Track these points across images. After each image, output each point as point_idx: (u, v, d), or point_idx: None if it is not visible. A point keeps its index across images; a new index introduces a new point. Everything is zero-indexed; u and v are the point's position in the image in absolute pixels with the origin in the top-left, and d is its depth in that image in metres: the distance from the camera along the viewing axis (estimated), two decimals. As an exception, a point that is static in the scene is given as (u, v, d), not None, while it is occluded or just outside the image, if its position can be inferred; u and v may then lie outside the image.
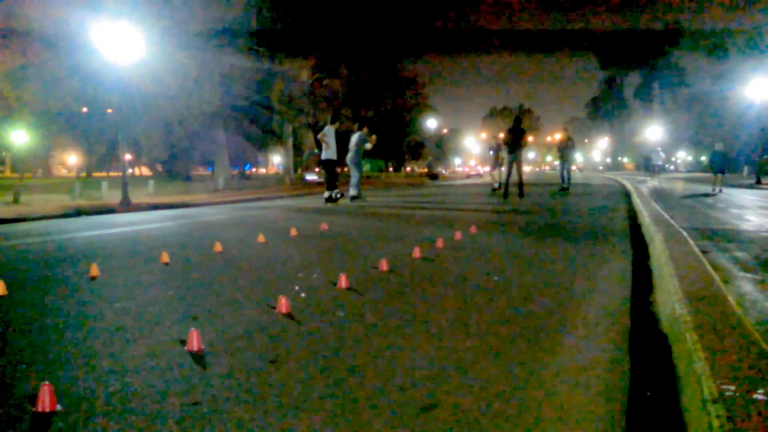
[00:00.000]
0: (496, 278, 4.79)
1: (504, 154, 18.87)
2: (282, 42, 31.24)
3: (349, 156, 15.87)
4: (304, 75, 36.90)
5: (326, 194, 15.34)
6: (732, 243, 6.90)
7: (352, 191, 15.89)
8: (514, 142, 16.94)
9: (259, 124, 36.69)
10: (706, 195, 17.70)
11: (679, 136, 71.56)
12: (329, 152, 15.19)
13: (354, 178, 16.09)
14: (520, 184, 17.07)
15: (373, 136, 16.27)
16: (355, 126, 16.56)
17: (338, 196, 15.39)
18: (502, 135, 21.10)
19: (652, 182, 28.31)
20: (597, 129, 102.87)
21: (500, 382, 2.53)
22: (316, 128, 26.73)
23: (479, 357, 2.84)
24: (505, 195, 16.92)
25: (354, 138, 15.79)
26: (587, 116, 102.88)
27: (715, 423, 1.69)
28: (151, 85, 23.18)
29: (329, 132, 15.18)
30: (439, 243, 6.63)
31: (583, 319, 3.51)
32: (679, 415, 2.15)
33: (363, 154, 16.22)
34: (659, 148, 35.83)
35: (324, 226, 8.88)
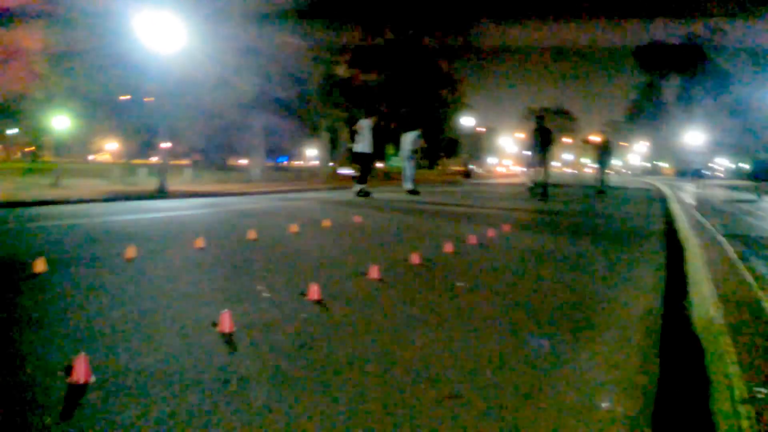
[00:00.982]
0: (527, 276, 4.77)
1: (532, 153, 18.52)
2: (320, 34, 31.37)
3: (405, 152, 16.42)
4: (341, 69, 37.01)
5: (356, 188, 15.31)
6: (771, 251, 6.75)
7: (409, 185, 16.27)
8: (542, 141, 16.65)
9: (295, 117, 36.89)
10: (747, 202, 17.34)
11: (720, 142, 70.14)
12: (363, 145, 15.17)
13: (409, 172, 16.49)
14: (545, 185, 16.72)
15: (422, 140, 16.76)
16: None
17: (368, 191, 15.36)
18: (523, 135, 21.01)
19: (697, 189, 27.74)
20: (635, 132, 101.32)
21: (527, 377, 2.52)
22: (352, 122, 26.90)
23: (506, 352, 2.84)
24: (543, 195, 16.54)
25: (410, 136, 16.38)
26: (626, 119, 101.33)
27: (745, 424, 1.68)
28: (190, 74, 23.45)
29: (365, 125, 15.18)
30: (472, 239, 6.61)
31: (614, 320, 3.48)
32: (708, 418, 2.12)
33: (395, 152, 16.68)
34: (703, 151, 34.97)
35: (357, 218, 8.92)
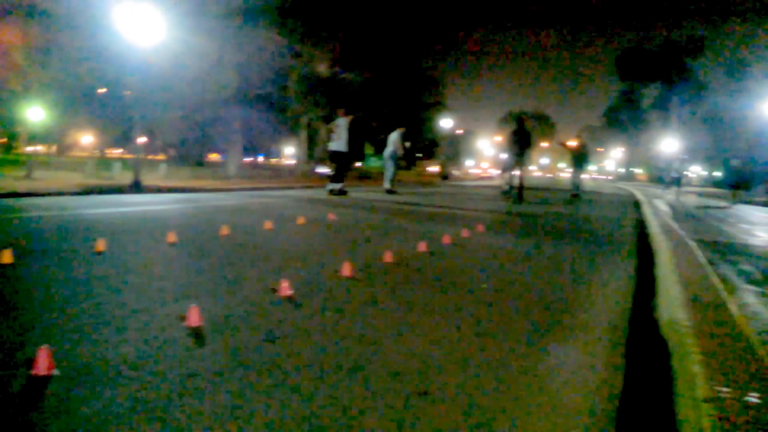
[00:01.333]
0: (498, 276, 4.79)
1: (509, 156, 18.52)
2: (302, 31, 31.26)
3: (388, 151, 16.49)
4: (323, 67, 36.90)
5: (329, 186, 15.21)
6: (740, 256, 6.86)
7: (387, 185, 16.30)
8: (520, 144, 16.63)
9: (274, 114, 36.72)
10: (719, 209, 17.60)
11: (695, 149, 71.13)
12: (339, 144, 15.06)
13: (389, 172, 16.51)
14: (520, 189, 16.60)
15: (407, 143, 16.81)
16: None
17: (344, 190, 15.30)
18: (501, 138, 21.12)
19: (667, 195, 28.07)
20: (612, 138, 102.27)
21: (494, 376, 2.53)
22: (331, 121, 26.86)
23: (476, 351, 2.85)
24: (518, 198, 16.55)
25: (394, 135, 16.47)
26: (603, 125, 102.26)
27: (706, 422, 1.70)
28: (169, 68, 23.23)
29: (341, 123, 15.09)
30: (446, 239, 6.63)
31: (584, 321, 3.51)
32: (671, 417, 2.15)
33: (373, 152, 16.68)
34: (683, 157, 35.42)
35: (332, 216, 8.90)
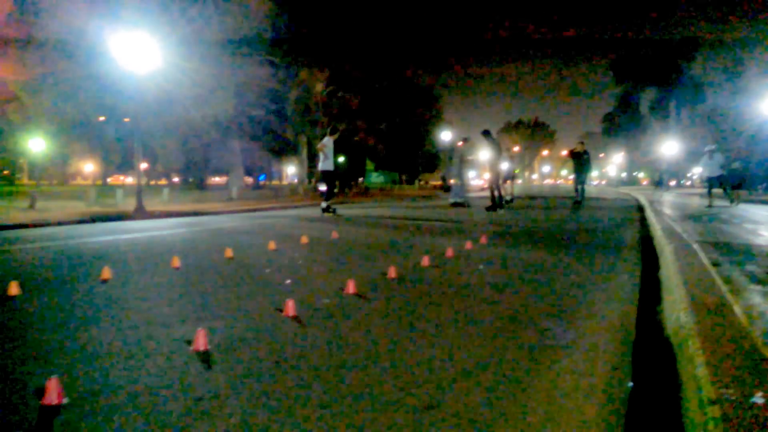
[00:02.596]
0: (503, 287, 4.80)
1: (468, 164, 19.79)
2: (297, 53, 31.48)
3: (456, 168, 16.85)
4: (319, 87, 37.12)
5: (323, 204, 15.20)
6: (744, 256, 6.85)
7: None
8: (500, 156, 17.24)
9: (273, 135, 36.88)
10: (722, 209, 17.57)
11: (695, 151, 71.08)
12: (327, 163, 15.00)
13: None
14: (492, 197, 16.89)
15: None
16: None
17: (333, 209, 15.23)
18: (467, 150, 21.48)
19: (666, 197, 28.10)
20: (612, 144, 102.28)
21: (501, 385, 2.54)
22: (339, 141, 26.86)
23: (483, 361, 2.86)
24: (500, 206, 16.75)
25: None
26: (603, 131, 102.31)
27: (711, 424, 1.70)
28: (167, 94, 23.41)
29: (329, 143, 15.01)
30: (449, 252, 6.64)
31: (590, 327, 3.52)
32: (678, 420, 2.15)
33: (374, 167, 16.38)
34: (662, 162, 35.90)
35: (335, 234, 8.93)
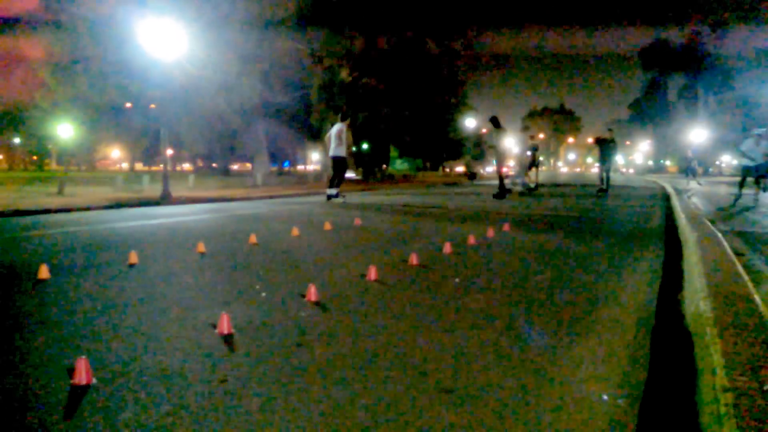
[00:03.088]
0: (525, 274, 4.82)
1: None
2: (322, 38, 31.46)
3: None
4: (344, 73, 37.08)
5: (329, 191, 14.83)
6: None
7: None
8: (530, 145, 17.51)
9: (298, 122, 36.96)
10: (749, 197, 17.30)
11: (724, 139, 69.93)
12: (339, 149, 14.56)
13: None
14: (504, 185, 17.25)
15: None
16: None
17: (342, 196, 14.96)
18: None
19: (694, 185, 27.73)
20: (639, 131, 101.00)
21: (520, 371, 2.57)
22: (355, 126, 26.58)
23: (501, 349, 2.89)
24: (504, 195, 16.84)
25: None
26: (629, 118, 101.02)
27: (723, 410, 1.73)
28: (193, 80, 23.60)
29: (342, 129, 14.62)
30: (471, 239, 6.66)
31: (611, 315, 3.53)
32: (693, 407, 2.17)
33: (398, 154, 16.20)
34: (693, 149, 35.36)
35: (358, 221, 8.98)
